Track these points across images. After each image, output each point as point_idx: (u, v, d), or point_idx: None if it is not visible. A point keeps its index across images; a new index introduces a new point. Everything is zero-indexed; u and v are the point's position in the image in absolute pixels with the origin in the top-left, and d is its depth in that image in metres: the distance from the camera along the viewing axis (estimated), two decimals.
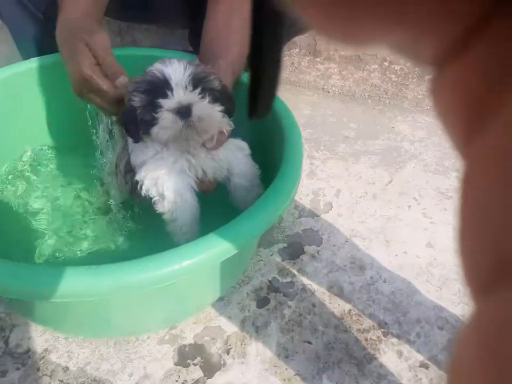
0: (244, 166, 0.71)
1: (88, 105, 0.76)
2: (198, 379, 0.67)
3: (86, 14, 0.73)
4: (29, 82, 0.88)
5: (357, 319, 0.75)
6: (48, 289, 0.49)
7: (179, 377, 0.67)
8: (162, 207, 0.67)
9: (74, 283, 0.49)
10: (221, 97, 0.64)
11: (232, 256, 0.55)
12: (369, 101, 1.35)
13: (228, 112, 0.65)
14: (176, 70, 0.62)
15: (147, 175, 0.66)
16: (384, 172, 1.08)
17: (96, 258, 0.77)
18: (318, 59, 1.33)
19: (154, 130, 0.62)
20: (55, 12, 0.76)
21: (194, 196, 0.68)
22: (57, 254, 0.77)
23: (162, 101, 0.60)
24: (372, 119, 1.28)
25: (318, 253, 0.87)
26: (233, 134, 0.70)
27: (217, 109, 0.63)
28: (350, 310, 0.77)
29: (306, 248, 0.88)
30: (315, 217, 0.95)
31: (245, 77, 0.85)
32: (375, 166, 1.10)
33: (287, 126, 0.74)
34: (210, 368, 0.68)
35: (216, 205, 0.82)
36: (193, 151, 0.67)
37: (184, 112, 0.60)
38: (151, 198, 0.67)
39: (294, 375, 0.67)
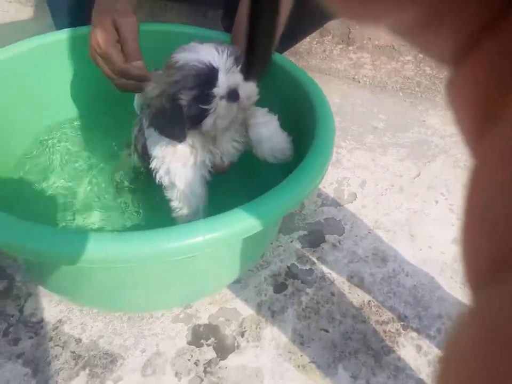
0: (268, 119, 0.68)
1: None
2: (210, 359, 0.65)
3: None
4: (59, 53, 0.88)
5: (376, 311, 0.72)
6: (73, 253, 0.49)
7: (192, 356, 0.66)
8: (172, 194, 0.66)
9: (101, 248, 0.48)
10: None
11: (253, 235, 0.54)
12: (400, 93, 1.31)
13: None
14: (214, 55, 0.59)
15: (162, 165, 0.65)
16: (412, 165, 1.04)
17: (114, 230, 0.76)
18: (350, 48, 1.30)
19: (209, 121, 0.59)
20: None
21: (205, 189, 0.67)
22: (73, 226, 0.77)
23: (214, 90, 0.58)
24: (402, 111, 1.24)
25: (339, 242, 0.84)
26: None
27: (254, 84, 0.61)
28: (370, 301, 0.74)
29: (327, 237, 0.86)
30: (338, 207, 0.92)
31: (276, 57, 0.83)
32: (403, 158, 1.06)
33: (319, 106, 0.71)
34: (223, 350, 0.67)
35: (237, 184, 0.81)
36: (219, 143, 0.65)
37: (233, 95, 0.58)
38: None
39: (309, 362, 0.65)
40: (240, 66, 0.59)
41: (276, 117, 0.69)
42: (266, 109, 0.69)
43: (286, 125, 0.82)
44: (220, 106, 0.58)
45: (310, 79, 0.79)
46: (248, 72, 0.18)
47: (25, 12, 1.52)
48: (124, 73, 0.71)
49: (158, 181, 0.66)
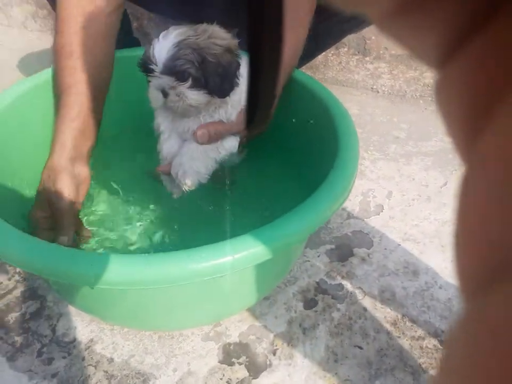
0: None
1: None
2: (243, 379, 0.64)
3: (69, 155, 0.68)
4: None
5: (411, 326, 0.70)
6: (115, 276, 0.49)
7: (223, 375, 0.65)
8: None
9: (132, 270, 0.48)
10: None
11: (281, 253, 0.53)
12: (420, 101, 1.30)
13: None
14: (162, 52, 0.63)
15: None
16: (438, 174, 1.02)
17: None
18: (367, 58, 1.29)
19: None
20: None
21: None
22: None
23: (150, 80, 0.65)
24: (423, 119, 1.22)
25: (368, 255, 0.83)
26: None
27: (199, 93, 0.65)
28: (404, 315, 0.72)
29: (355, 250, 0.84)
30: (365, 219, 0.91)
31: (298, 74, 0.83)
32: (428, 167, 1.04)
33: (340, 120, 0.71)
34: (255, 369, 0.65)
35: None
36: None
37: (164, 92, 0.65)
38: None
39: (344, 380, 0.63)
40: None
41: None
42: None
43: (304, 142, 0.82)
44: (150, 91, 0.65)
45: (329, 92, 0.78)
46: (249, 124, 0.18)
47: (46, 39, 1.56)
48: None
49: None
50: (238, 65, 0.64)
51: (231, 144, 0.69)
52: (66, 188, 0.65)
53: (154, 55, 0.62)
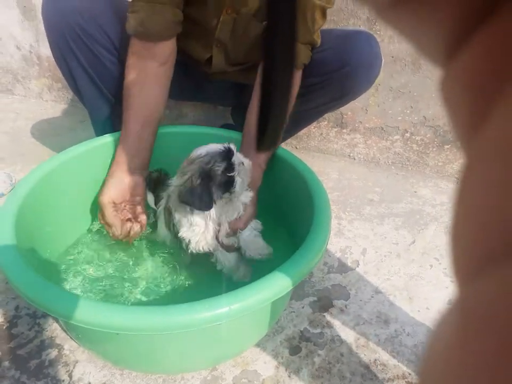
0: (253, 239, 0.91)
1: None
2: None
3: (125, 166, 0.95)
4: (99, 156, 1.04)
5: (382, 369, 0.81)
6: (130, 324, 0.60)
7: None
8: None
9: (146, 320, 0.60)
10: None
11: (269, 304, 0.65)
12: (392, 167, 1.47)
13: None
14: (224, 144, 0.82)
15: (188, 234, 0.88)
16: (407, 233, 1.17)
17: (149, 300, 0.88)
18: (344, 130, 1.48)
19: (238, 181, 0.82)
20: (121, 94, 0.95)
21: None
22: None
23: (234, 160, 0.82)
24: (395, 184, 1.39)
25: (346, 306, 0.95)
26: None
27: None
28: (376, 360, 0.83)
29: (335, 302, 0.96)
30: (343, 274, 1.04)
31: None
32: (398, 227, 1.19)
33: (315, 190, 0.87)
34: None
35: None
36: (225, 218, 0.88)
37: (242, 164, 0.84)
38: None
39: None
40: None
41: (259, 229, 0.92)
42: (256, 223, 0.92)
43: (286, 210, 0.97)
44: (241, 170, 0.82)
45: (309, 169, 0.95)
46: (260, 143, 0.19)
47: (59, 109, 1.73)
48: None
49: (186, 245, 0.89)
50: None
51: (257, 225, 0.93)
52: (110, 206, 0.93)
53: (227, 146, 0.81)
